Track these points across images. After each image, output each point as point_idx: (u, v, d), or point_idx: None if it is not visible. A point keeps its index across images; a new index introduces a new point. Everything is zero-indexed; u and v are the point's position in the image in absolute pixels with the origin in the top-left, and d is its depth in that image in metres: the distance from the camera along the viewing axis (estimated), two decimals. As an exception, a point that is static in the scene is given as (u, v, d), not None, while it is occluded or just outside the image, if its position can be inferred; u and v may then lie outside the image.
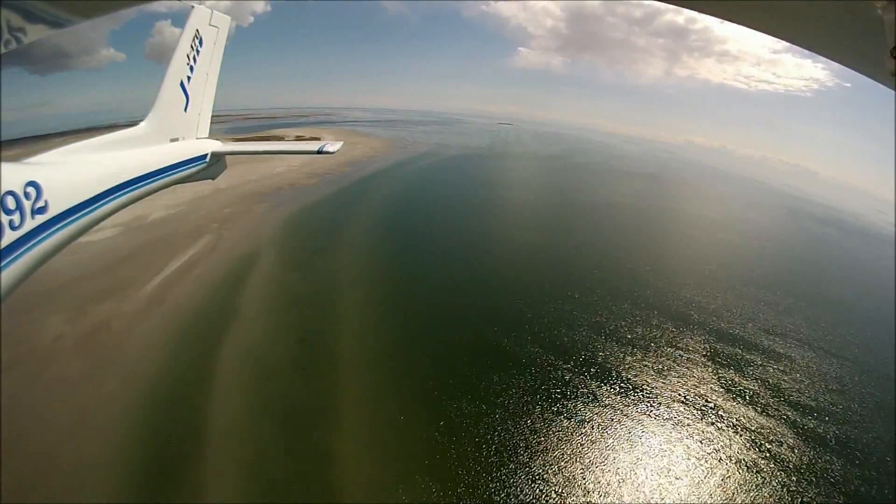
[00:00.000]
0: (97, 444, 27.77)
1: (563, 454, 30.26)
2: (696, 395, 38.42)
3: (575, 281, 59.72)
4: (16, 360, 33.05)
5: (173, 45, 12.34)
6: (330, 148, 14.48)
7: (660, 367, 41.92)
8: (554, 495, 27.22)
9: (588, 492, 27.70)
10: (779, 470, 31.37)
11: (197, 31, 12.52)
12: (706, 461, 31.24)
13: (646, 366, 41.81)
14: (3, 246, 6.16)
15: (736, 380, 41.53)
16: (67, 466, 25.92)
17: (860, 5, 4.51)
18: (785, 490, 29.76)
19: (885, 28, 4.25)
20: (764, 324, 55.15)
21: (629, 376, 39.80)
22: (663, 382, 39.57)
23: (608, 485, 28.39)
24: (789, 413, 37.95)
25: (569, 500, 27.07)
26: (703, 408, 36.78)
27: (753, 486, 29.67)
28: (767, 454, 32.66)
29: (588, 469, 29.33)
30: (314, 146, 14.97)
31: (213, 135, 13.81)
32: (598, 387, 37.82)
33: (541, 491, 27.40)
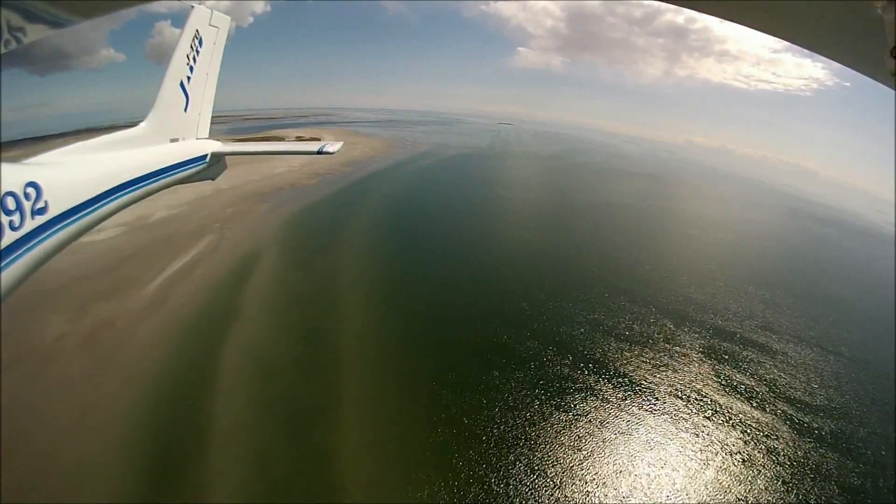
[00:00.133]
0: (98, 443, 27.79)
1: (561, 446, 30.68)
2: (692, 389, 38.77)
3: (574, 280, 59.80)
4: (16, 360, 33.09)
5: (173, 45, 12.30)
6: (330, 148, 14.46)
7: (657, 362, 42.26)
8: (552, 485, 27.62)
9: (586, 482, 28.13)
10: (773, 463, 31.75)
11: (197, 31, 12.50)
12: (702, 454, 31.66)
13: (643, 361, 42.11)
14: (2, 246, 6.16)
15: (732, 375, 41.84)
16: (68, 466, 25.94)
17: (860, 5, 4.51)
18: (780, 482, 30.13)
19: (885, 28, 4.25)
20: (762, 321, 55.24)
21: (626, 371, 40.15)
22: (660, 377, 39.92)
23: (605, 476, 28.83)
24: (785, 408, 38.27)
25: (567, 489, 27.45)
26: (699, 402, 37.15)
27: (748, 478, 30.04)
28: (762, 447, 33.04)
29: (585, 460, 29.77)
30: (314, 146, 14.96)
31: (213, 135, 13.81)
32: (595, 381, 38.18)
33: (539, 481, 27.80)
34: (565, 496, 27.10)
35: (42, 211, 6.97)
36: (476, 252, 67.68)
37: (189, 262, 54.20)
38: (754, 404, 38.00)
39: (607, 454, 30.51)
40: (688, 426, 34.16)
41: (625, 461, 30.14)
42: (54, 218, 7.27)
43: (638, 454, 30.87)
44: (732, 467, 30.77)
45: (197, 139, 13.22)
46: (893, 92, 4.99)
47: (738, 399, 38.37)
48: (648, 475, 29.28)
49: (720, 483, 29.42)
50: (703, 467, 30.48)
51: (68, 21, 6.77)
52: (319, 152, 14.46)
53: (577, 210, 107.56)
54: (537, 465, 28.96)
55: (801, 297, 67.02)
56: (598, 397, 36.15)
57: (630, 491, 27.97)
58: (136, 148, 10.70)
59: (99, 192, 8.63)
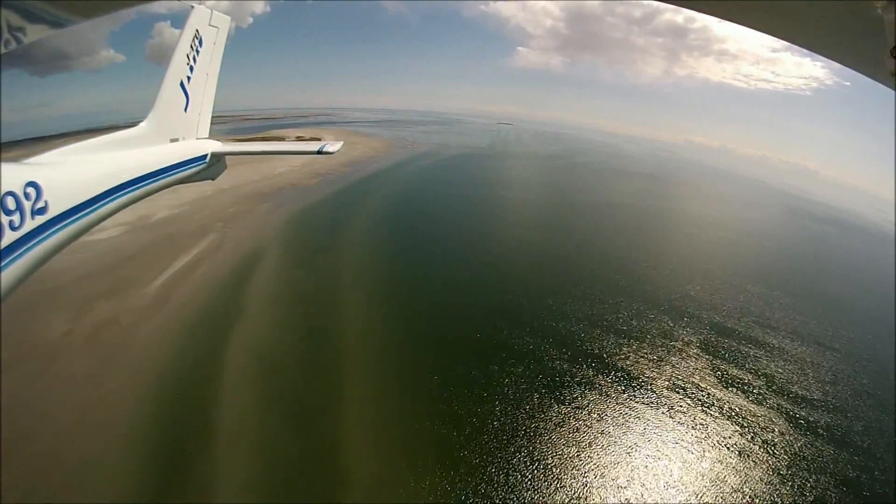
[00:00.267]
0: (100, 441, 27.79)
1: (559, 438, 31.04)
2: (690, 383, 39.03)
3: (574, 278, 59.87)
4: (18, 359, 33.11)
5: (173, 46, 12.23)
6: (330, 148, 14.44)
7: (655, 357, 42.60)
8: (550, 475, 27.99)
9: (584, 473, 28.46)
10: (769, 455, 31.99)
11: (197, 31, 12.48)
12: (698, 445, 31.96)
13: (642, 356, 42.38)
14: (3, 246, 6.16)
15: (729, 370, 42.11)
16: (69, 464, 25.95)
17: (860, 5, 4.50)
18: (775, 473, 30.35)
19: (885, 28, 4.24)
20: (761, 318, 55.40)
21: (625, 366, 40.45)
22: (658, 371, 40.23)
23: (603, 466, 29.19)
24: (781, 402, 38.57)
25: (565, 479, 27.81)
26: (696, 396, 37.41)
27: (744, 470, 30.27)
28: (758, 440, 33.29)
29: (584, 451, 30.16)
30: (314, 146, 14.94)
31: (213, 135, 13.79)
32: (594, 375, 38.46)
33: (538, 471, 28.17)
34: (564, 485, 27.40)
35: (42, 211, 6.96)
36: (476, 251, 67.70)
37: (191, 262, 54.25)
38: (751, 398, 38.27)
39: (606, 445, 30.88)
40: (685, 419, 34.46)
41: (622, 452, 30.55)
42: (54, 218, 7.26)
43: (636, 445, 31.24)
44: (728, 459, 31.07)
45: (197, 139, 13.20)
46: (893, 92, 4.99)
47: (735, 393, 38.62)
48: (646, 466, 29.67)
49: (717, 473, 29.73)
50: (700, 459, 30.82)
51: (68, 21, 6.76)
52: (319, 152, 14.44)
53: (576, 210, 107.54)
54: (537, 455, 29.34)
55: (801, 295, 67.03)
56: (596, 391, 36.44)
57: (628, 481, 28.31)
58: (136, 148, 10.68)
59: (99, 192, 8.61)
